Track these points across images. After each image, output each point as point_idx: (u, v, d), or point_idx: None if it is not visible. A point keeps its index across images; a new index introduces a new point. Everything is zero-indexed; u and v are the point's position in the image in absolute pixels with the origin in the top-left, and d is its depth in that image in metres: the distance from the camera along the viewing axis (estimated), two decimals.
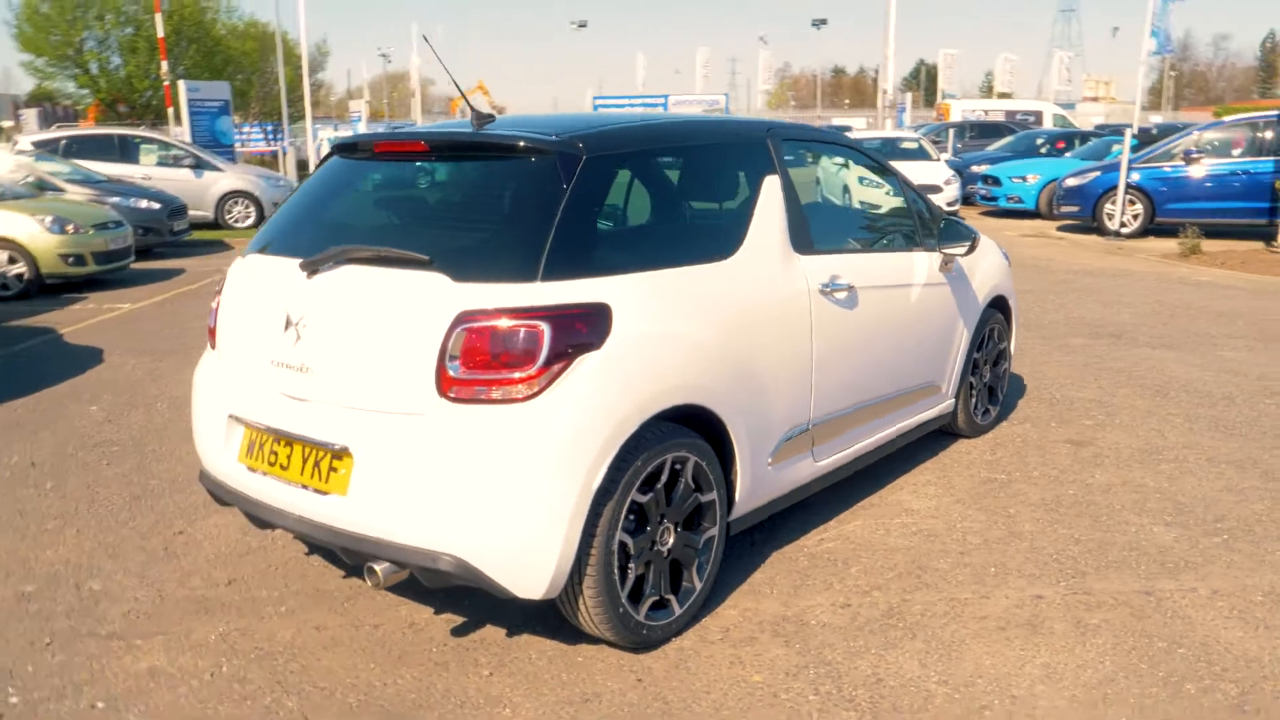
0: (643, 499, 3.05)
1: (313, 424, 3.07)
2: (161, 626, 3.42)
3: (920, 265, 4.51)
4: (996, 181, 18.27)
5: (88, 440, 5.55)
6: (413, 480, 2.85)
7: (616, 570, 3.01)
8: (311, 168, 31.92)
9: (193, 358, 7.57)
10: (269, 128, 44.37)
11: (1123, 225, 14.59)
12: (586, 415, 2.84)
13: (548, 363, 2.79)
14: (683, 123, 3.77)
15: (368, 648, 3.25)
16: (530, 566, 2.84)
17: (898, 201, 4.59)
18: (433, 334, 2.85)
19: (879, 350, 4.18)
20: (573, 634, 3.27)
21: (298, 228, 3.56)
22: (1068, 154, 19.49)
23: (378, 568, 2.92)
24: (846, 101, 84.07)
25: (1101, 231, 14.91)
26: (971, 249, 4.60)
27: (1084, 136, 21.24)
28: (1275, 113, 14.17)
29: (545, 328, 2.80)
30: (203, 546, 4.09)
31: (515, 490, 2.79)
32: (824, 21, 46.73)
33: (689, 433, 3.18)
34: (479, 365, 2.80)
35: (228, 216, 17.52)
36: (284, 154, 32.60)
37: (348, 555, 3.05)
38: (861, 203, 4.41)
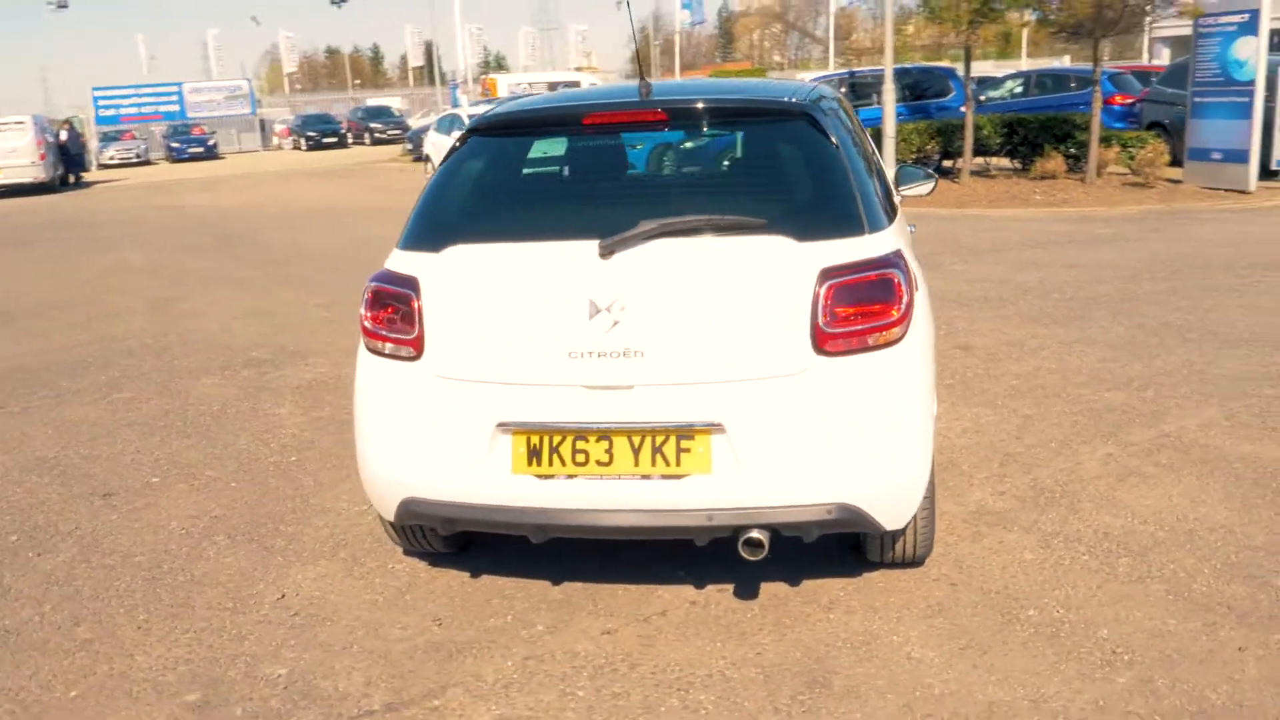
0: None
1: (650, 409, 2.92)
2: (438, 681, 3.02)
3: None
4: None
5: None
6: (798, 439, 2.89)
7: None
8: None
9: None
10: None
11: None
12: (928, 349, 3.09)
13: (907, 306, 2.98)
14: (816, 85, 3.98)
15: (687, 632, 3.18)
16: (909, 498, 3.03)
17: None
18: (800, 294, 2.89)
19: None
20: (839, 568, 3.47)
21: (505, 212, 3.30)
22: None
23: (760, 536, 2.91)
24: (358, 82, 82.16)
25: None
26: (935, 187, 5.32)
27: None
28: (847, 71, 16.92)
29: (898, 274, 2.98)
30: (331, 600, 3.55)
31: (902, 429, 2.96)
32: None
33: None
34: (851, 318, 2.91)
35: None
36: None
37: (703, 535, 2.97)
38: None
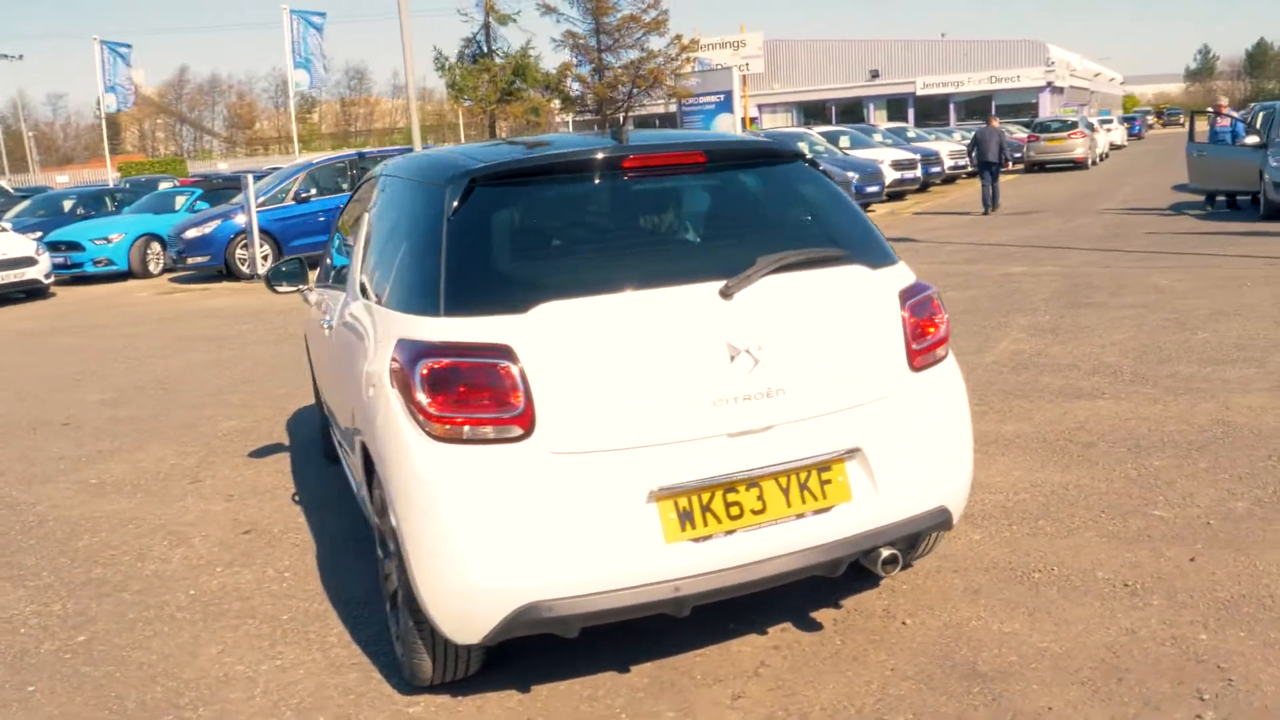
0: None
1: (794, 446, 2.89)
2: None
3: None
4: (77, 246, 16.90)
5: None
6: (912, 452, 3.07)
7: None
8: None
9: None
10: None
11: (257, 268, 15.40)
12: None
13: (947, 322, 3.32)
14: None
15: (809, 674, 3.14)
16: (967, 491, 3.34)
17: None
18: (891, 316, 3.09)
19: None
20: (847, 584, 3.65)
21: (583, 263, 3.06)
22: (125, 210, 18.93)
23: (895, 551, 3.02)
24: None
25: (236, 276, 15.51)
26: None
27: (111, 193, 20.75)
28: (355, 152, 16.70)
29: (936, 295, 3.31)
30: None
31: (965, 429, 3.28)
32: None
33: None
34: (922, 335, 3.17)
35: None
36: None
37: (844, 563, 2.97)
38: None
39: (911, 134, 26.65)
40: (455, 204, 3.00)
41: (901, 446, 3.06)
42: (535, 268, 3.02)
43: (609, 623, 2.88)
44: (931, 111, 44.56)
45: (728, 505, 2.83)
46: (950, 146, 24.93)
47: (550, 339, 2.75)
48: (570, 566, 2.71)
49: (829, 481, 2.95)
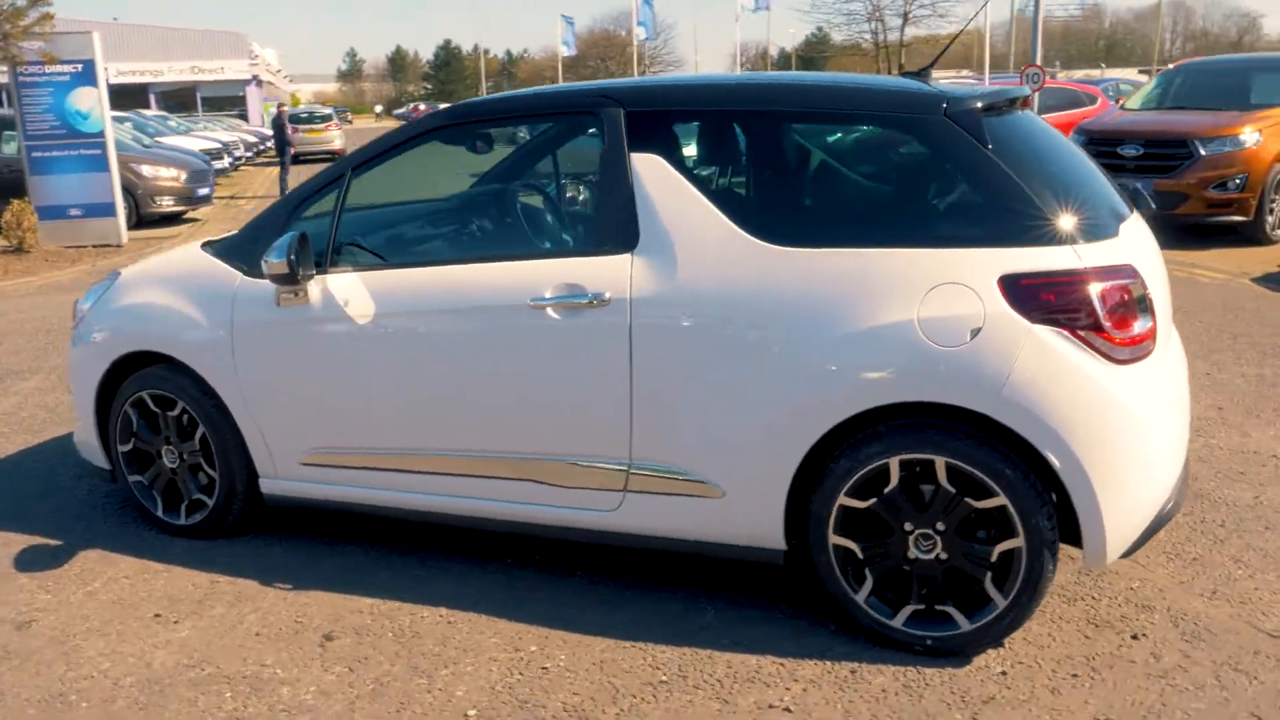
0: None
1: None
2: None
3: None
4: None
5: None
6: None
7: None
8: None
9: None
10: None
11: None
12: None
13: None
14: None
15: (1200, 589, 3.59)
16: None
17: None
18: None
19: None
20: None
21: (1087, 188, 3.13)
22: None
23: None
24: None
25: None
26: None
27: None
28: None
29: None
30: None
31: None
32: None
33: None
34: None
35: None
36: None
37: None
38: None
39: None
40: (984, 134, 2.89)
41: None
42: (1075, 192, 2.98)
43: None
44: (123, 102, 40.37)
45: None
46: (235, 135, 23.45)
47: (1134, 258, 2.88)
48: (1168, 460, 2.91)
49: None
